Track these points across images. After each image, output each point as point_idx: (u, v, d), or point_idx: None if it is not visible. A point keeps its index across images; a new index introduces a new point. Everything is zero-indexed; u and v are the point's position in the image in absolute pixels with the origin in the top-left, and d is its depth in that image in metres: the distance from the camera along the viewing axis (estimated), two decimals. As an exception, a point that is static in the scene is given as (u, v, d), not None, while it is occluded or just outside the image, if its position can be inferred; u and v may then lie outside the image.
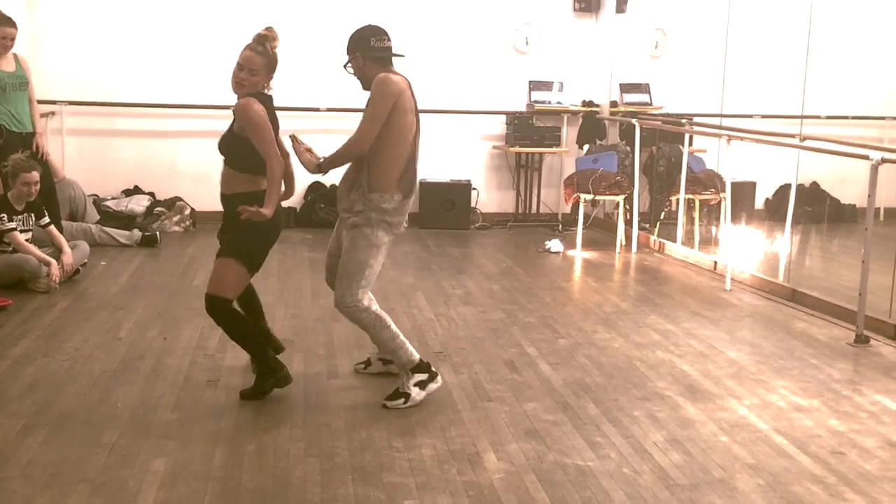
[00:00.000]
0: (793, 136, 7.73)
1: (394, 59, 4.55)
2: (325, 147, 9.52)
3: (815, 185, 10.39)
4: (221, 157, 4.50)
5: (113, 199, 9.22)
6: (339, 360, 5.16)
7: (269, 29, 4.44)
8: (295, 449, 3.95)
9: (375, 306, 4.50)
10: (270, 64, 4.40)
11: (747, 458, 3.98)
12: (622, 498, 3.57)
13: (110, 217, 8.81)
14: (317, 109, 9.43)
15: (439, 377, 4.60)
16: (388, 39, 4.52)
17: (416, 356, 4.54)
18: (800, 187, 8.08)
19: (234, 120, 4.41)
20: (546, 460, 3.90)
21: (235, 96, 4.44)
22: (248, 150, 4.35)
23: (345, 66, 4.54)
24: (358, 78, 4.54)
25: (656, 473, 3.80)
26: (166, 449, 3.91)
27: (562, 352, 5.45)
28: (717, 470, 3.85)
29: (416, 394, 4.47)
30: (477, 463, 3.86)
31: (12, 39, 6.81)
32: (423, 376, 4.51)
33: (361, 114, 4.45)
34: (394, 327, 4.52)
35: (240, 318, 4.51)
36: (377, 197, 4.43)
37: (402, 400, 4.44)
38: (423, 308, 6.36)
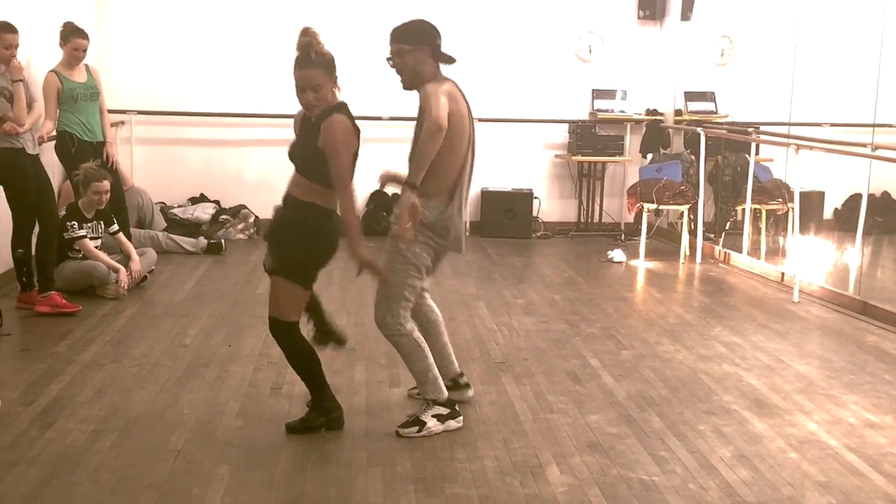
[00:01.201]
0: (864, 144, 7.55)
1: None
2: (387, 156, 9.59)
3: (886, 194, 10.13)
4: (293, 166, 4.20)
5: (179, 206, 9.37)
6: (401, 370, 5.13)
7: (305, 32, 3.99)
8: (357, 458, 3.96)
9: (416, 333, 4.29)
10: (328, 68, 4.00)
11: (818, 475, 3.89)
12: (688, 514, 3.52)
13: (177, 224, 8.96)
14: (379, 118, 9.48)
15: (461, 417, 4.31)
16: None
17: (445, 394, 4.30)
18: (871, 197, 7.89)
19: (315, 134, 4.01)
20: (610, 474, 3.85)
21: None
22: (323, 166, 4.02)
23: (390, 58, 4.16)
24: (406, 73, 4.17)
25: (723, 490, 3.72)
26: (230, 456, 3.95)
27: (625, 363, 5.38)
28: (787, 487, 3.76)
29: (434, 425, 4.20)
30: (540, 475, 3.82)
31: (84, 51, 6.95)
32: (443, 410, 4.25)
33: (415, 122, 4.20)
34: (430, 359, 4.31)
35: (301, 348, 4.20)
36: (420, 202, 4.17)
37: (416, 428, 4.19)
38: (485, 318, 6.34)
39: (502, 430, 4.32)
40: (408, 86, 4.24)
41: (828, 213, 10.02)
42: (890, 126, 9.13)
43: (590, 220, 10.06)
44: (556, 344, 5.75)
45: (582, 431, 4.31)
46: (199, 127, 9.63)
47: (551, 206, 10.11)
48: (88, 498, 3.53)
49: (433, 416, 4.24)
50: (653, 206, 8.54)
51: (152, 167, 9.48)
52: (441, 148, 4.12)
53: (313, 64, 3.97)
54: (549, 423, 4.42)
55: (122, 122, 9.27)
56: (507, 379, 5.04)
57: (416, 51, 4.16)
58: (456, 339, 5.74)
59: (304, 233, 4.06)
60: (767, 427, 4.42)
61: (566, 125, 9.94)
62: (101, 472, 3.75)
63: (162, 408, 4.50)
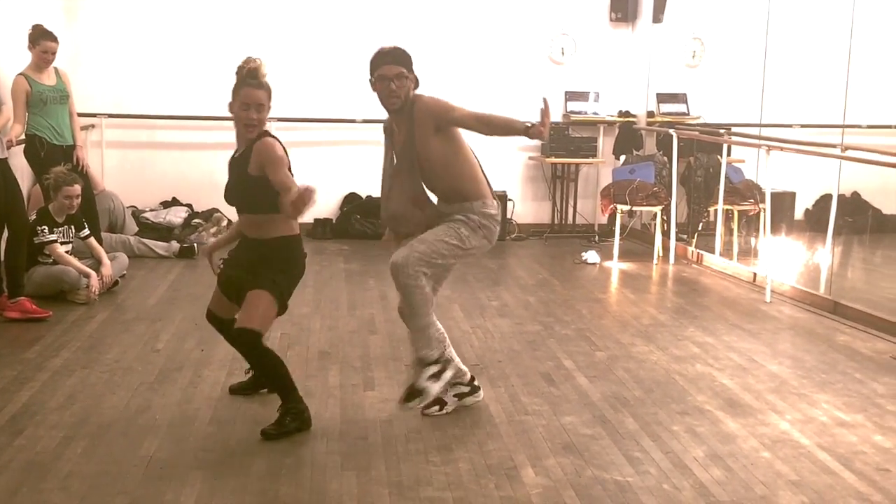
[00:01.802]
0: (834, 145, 7.62)
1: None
2: (361, 158, 9.51)
3: (856, 195, 10.24)
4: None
5: (151, 210, 9.30)
6: (376, 373, 5.15)
7: (250, 60, 4.23)
8: (332, 462, 3.94)
9: (430, 292, 4.29)
10: (270, 93, 4.23)
11: (790, 474, 3.91)
12: (662, 514, 3.53)
13: (149, 229, 8.89)
14: (353, 121, 9.47)
15: (455, 363, 4.42)
16: None
17: (435, 353, 4.32)
18: (841, 197, 7.96)
19: (244, 164, 4.20)
20: (584, 475, 3.85)
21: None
22: (265, 192, 4.17)
23: (390, 80, 4.18)
24: (403, 97, 4.21)
25: (697, 489, 3.74)
26: (204, 461, 3.92)
27: (599, 365, 5.40)
28: (760, 486, 3.78)
29: (432, 387, 4.27)
30: (514, 477, 3.82)
31: (53, 53, 6.90)
32: (434, 368, 4.30)
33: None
34: (433, 317, 4.31)
35: (271, 355, 4.27)
36: (481, 203, 4.33)
37: (417, 399, 4.26)
38: (460, 320, 6.33)
39: (477, 432, 4.31)
40: (399, 108, 4.25)
41: (799, 214, 10.09)
42: (859, 127, 9.25)
43: (563, 221, 10.09)
44: (530, 346, 5.76)
45: (556, 433, 4.32)
46: (171, 130, 9.57)
47: (525, 207, 10.13)
48: (59, 505, 3.50)
49: (429, 378, 4.26)
50: (626, 208, 8.57)
51: (124, 171, 9.41)
52: (461, 155, 4.34)
53: (262, 86, 4.22)
54: (523, 424, 4.42)
55: (93, 126, 9.20)
56: (482, 381, 5.02)
57: (412, 76, 4.27)
58: (430, 342, 5.74)
59: (287, 266, 4.29)
60: (740, 427, 4.45)
61: (539, 127, 9.93)
62: (72, 479, 3.71)
63: (134, 413, 4.46)
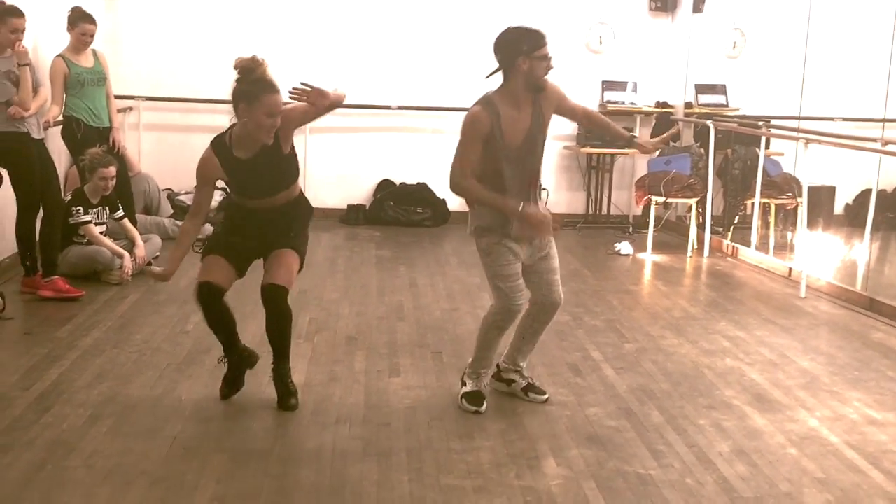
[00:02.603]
0: (874, 139, 7.48)
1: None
2: (395, 145, 9.51)
3: (897, 190, 10.05)
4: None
5: (186, 193, 9.34)
6: (402, 359, 5.15)
7: (255, 62, 4.24)
8: (353, 447, 3.94)
9: None
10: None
11: (816, 472, 3.85)
12: (683, 509, 3.49)
13: (183, 211, 8.92)
14: (388, 107, 9.46)
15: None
16: None
17: None
18: (881, 193, 7.83)
19: (277, 151, 4.25)
20: (606, 467, 3.82)
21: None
22: (296, 160, 4.42)
23: (551, 59, 4.35)
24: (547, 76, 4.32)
25: (720, 485, 3.69)
26: (226, 444, 3.94)
27: (627, 357, 5.35)
28: (784, 483, 3.73)
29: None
30: (536, 468, 3.80)
31: (92, 36, 6.95)
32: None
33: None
34: None
35: (291, 312, 4.42)
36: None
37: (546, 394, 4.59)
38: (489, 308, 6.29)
39: (500, 421, 4.29)
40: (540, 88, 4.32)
41: (838, 209, 9.93)
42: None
43: (598, 212, 10.02)
44: (558, 336, 5.72)
45: (580, 424, 4.29)
46: (208, 114, 9.57)
47: (559, 197, 10.06)
48: (81, 483, 3.53)
49: None
50: (661, 199, 8.49)
51: (160, 153, 9.47)
52: None
53: (278, 88, 4.18)
54: (547, 415, 4.39)
55: (130, 108, 9.28)
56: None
57: None
58: (459, 331, 5.74)
59: (307, 224, 4.56)
60: (768, 422, 4.38)
61: (575, 116, 9.86)
62: (96, 457, 3.75)
63: (160, 394, 4.50)
